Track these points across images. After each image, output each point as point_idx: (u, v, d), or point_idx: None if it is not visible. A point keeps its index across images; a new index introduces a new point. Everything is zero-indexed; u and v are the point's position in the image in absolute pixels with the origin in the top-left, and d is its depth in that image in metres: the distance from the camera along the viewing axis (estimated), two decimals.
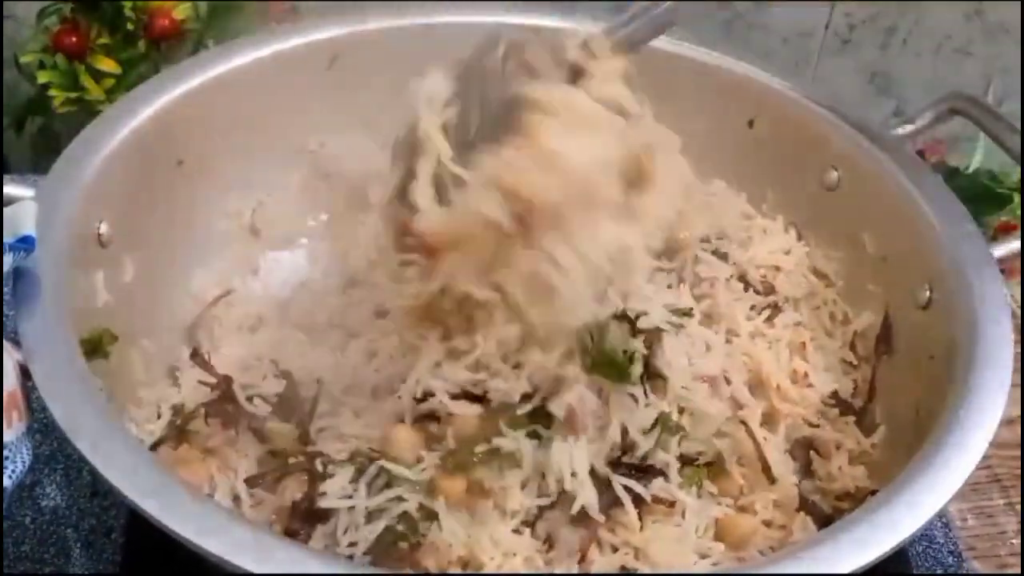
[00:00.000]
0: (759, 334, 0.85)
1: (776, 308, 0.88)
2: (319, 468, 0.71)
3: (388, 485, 0.69)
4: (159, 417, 0.79)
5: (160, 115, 0.86)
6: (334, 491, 0.70)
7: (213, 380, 0.78)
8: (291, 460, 0.72)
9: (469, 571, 0.69)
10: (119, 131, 0.83)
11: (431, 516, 0.69)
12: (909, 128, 0.93)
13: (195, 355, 0.80)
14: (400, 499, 0.69)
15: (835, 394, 0.85)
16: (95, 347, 0.75)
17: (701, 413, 0.76)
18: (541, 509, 0.71)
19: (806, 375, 0.84)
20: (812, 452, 0.81)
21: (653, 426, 0.73)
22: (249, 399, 0.76)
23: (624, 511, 0.71)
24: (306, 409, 0.76)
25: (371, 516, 0.68)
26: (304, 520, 0.69)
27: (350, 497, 0.69)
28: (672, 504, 0.73)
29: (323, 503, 0.69)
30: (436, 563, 0.68)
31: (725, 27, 1.26)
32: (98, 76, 1.12)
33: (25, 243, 0.68)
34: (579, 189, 0.65)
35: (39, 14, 1.13)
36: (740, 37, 1.26)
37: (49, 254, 0.71)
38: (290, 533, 0.69)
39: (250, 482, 0.72)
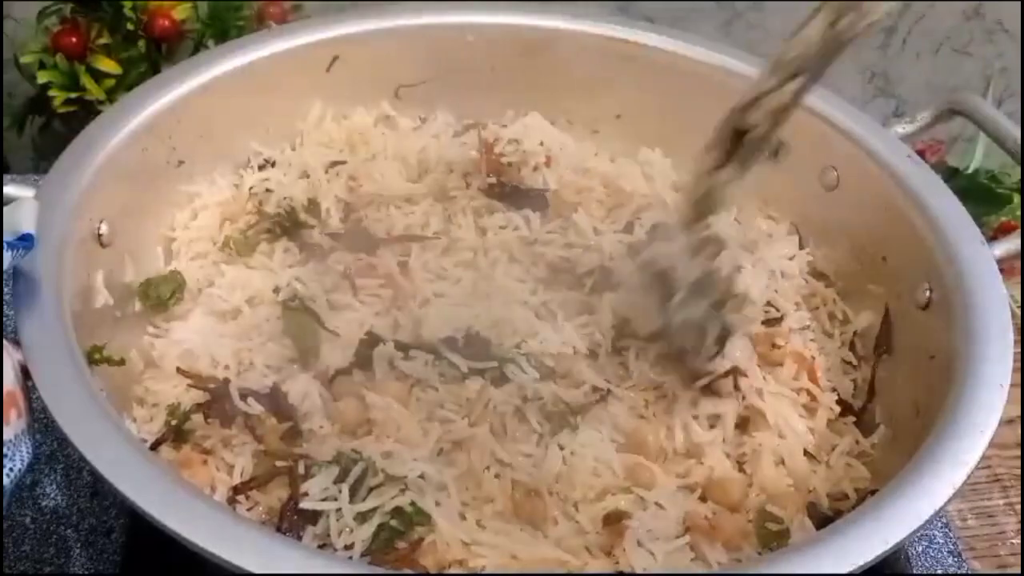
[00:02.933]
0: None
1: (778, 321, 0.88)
2: (301, 470, 0.71)
3: (376, 486, 0.70)
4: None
5: (160, 115, 0.86)
6: (316, 492, 0.70)
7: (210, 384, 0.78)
8: (277, 463, 0.72)
9: (468, 571, 0.69)
10: (119, 131, 0.83)
11: (424, 514, 0.69)
12: (909, 128, 0.93)
13: (180, 370, 0.80)
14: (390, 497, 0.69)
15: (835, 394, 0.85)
16: (99, 356, 0.76)
17: None
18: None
19: (815, 399, 0.83)
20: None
21: None
22: (243, 398, 0.76)
23: None
24: (296, 406, 0.76)
25: (364, 516, 0.68)
26: (292, 521, 0.69)
27: (335, 499, 0.69)
28: None
29: (305, 504, 0.69)
30: (435, 562, 0.68)
31: (725, 27, 1.26)
32: (98, 76, 1.12)
33: (25, 241, 0.68)
34: None
35: (39, 14, 1.13)
36: (740, 37, 1.26)
37: (50, 254, 0.72)
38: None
39: (237, 490, 0.72)
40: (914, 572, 0.86)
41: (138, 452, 0.63)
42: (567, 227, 0.91)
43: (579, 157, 0.98)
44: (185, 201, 0.91)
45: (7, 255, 0.67)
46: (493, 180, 0.93)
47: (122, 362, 0.78)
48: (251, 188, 0.92)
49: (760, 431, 0.80)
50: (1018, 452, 0.95)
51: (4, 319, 0.88)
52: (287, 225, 0.90)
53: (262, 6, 1.17)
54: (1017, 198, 1.19)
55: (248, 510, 0.72)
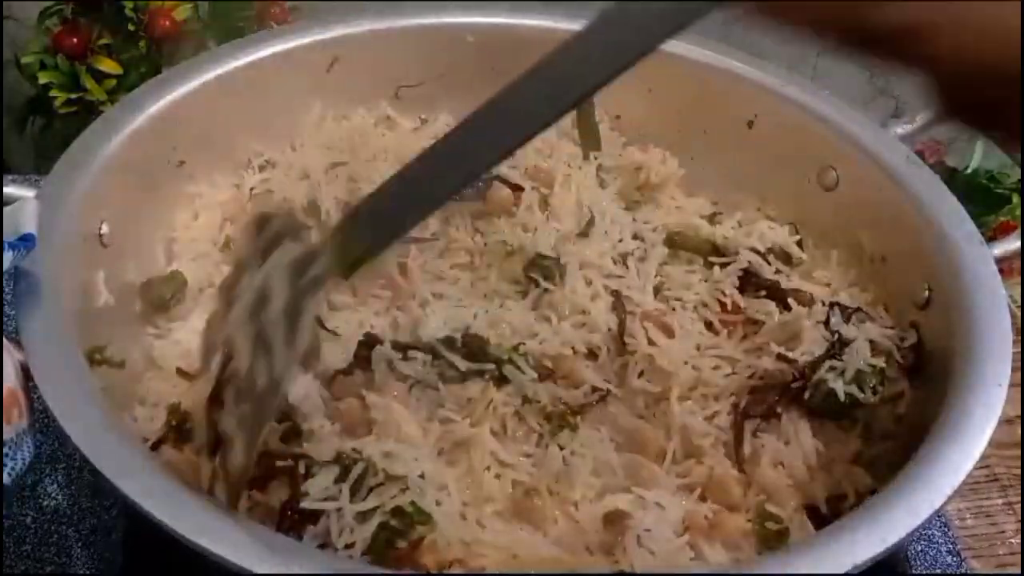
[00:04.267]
0: None
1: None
2: (301, 470, 0.71)
3: (376, 485, 0.69)
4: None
5: (161, 116, 0.86)
6: (316, 492, 0.69)
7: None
8: (277, 463, 0.72)
9: (468, 571, 0.69)
10: (120, 132, 0.83)
11: (424, 513, 0.69)
12: (909, 128, 0.93)
13: (180, 371, 0.80)
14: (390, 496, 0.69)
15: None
16: (100, 358, 0.76)
17: None
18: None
19: None
20: None
21: None
22: None
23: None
24: (296, 406, 0.76)
25: (364, 516, 0.69)
26: (293, 521, 0.69)
27: (335, 499, 0.69)
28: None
29: (305, 504, 0.69)
30: (435, 561, 0.68)
31: (725, 27, 1.26)
32: (99, 77, 1.12)
33: (25, 241, 0.68)
34: None
35: (40, 15, 1.14)
36: (740, 37, 1.26)
37: (51, 254, 0.72)
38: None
39: None
40: (913, 572, 0.86)
41: (139, 452, 0.63)
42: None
43: (578, 158, 0.98)
44: (186, 201, 0.91)
45: (8, 255, 0.67)
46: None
47: (122, 364, 0.78)
48: (252, 189, 0.92)
49: (767, 433, 0.80)
50: (1017, 452, 0.95)
51: (5, 319, 0.88)
52: None
53: (263, 6, 1.17)
54: (1016, 198, 1.19)
55: (248, 510, 0.72)
